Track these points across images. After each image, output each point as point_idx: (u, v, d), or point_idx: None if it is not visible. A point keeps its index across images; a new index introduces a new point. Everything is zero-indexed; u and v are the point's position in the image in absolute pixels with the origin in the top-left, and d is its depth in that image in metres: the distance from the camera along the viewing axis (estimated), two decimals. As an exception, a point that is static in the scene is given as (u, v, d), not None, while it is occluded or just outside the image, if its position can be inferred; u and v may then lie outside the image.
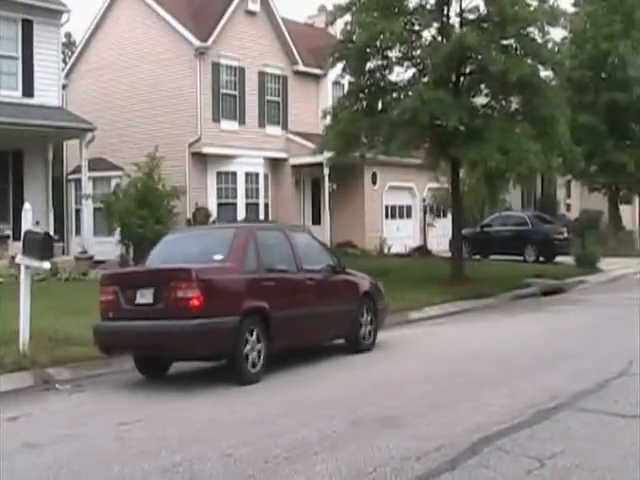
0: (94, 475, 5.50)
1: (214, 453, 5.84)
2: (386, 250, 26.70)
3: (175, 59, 24.74)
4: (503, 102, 19.71)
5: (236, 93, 25.27)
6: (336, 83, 26.23)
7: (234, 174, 25.31)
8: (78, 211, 23.48)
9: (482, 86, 19.43)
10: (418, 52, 18.95)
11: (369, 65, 19.13)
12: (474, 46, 16.91)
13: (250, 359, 8.80)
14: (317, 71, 27.30)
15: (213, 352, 8.87)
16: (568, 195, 44.66)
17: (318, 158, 22.68)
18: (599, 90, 30.92)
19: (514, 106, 19.74)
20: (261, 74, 26.10)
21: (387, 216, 28.83)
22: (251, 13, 25.75)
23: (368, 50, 18.53)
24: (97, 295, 9.60)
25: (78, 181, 22.96)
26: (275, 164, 26.63)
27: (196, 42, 24.07)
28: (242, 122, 25.40)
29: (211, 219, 23.57)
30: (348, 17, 19.22)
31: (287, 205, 26.63)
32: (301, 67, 27.20)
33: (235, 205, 25.23)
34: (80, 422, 7.14)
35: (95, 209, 23.37)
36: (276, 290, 9.49)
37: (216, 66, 24.62)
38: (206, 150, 24.18)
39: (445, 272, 19.53)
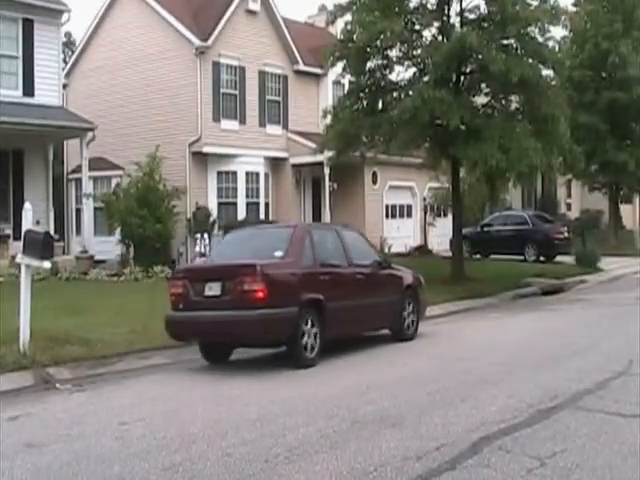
0: (94, 475, 5.49)
1: (214, 452, 5.85)
2: (386, 249, 26.64)
3: (175, 58, 24.74)
4: (503, 101, 19.72)
5: (236, 92, 25.27)
6: (336, 82, 26.27)
7: (234, 173, 25.32)
8: (78, 211, 23.49)
9: (482, 86, 19.43)
10: (418, 51, 18.96)
11: (369, 64, 19.15)
12: (474, 46, 16.90)
13: (307, 345, 9.70)
14: (318, 70, 27.30)
15: (275, 339, 9.77)
16: (568, 194, 44.69)
17: (318, 157, 22.69)
18: (599, 89, 30.94)
19: (514, 105, 19.75)
20: (261, 73, 26.10)
21: (387, 215, 28.83)
22: (251, 12, 25.75)
23: (368, 49, 18.55)
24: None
25: (78, 180, 22.97)
26: (275, 163, 26.63)
27: (196, 41, 24.07)
28: (242, 121, 25.40)
29: (211, 219, 23.57)
30: (348, 16, 19.22)
31: (287, 204, 26.64)
32: (301, 66, 27.20)
33: (235, 205, 25.24)
34: (80, 421, 7.15)
35: (95, 209, 23.38)
36: (329, 283, 10.41)
37: (216, 65, 24.62)
38: (206, 149, 24.18)
39: (445, 271, 19.53)
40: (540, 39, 18.53)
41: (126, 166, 23.59)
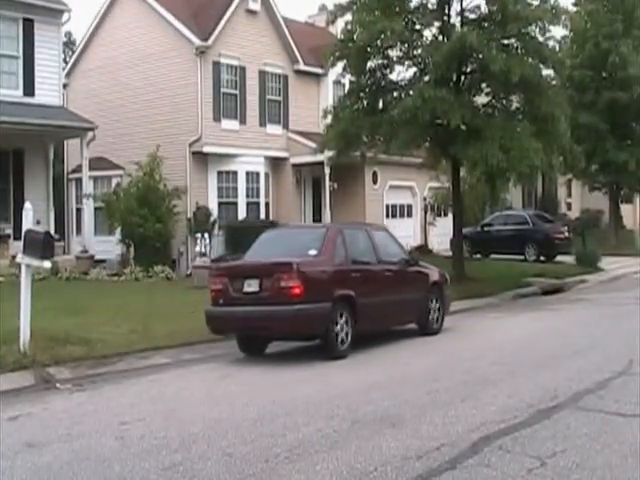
0: (95, 474, 5.50)
1: (214, 452, 5.85)
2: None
3: (176, 58, 24.72)
4: (504, 101, 19.71)
5: (237, 92, 25.26)
6: (337, 82, 26.25)
7: (235, 173, 25.30)
8: (79, 210, 23.48)
9: (483, 85, 19.42)
10: (419, 51, 18.96)
11: (370, 64, 19.14)
12: (475, 45, 16.89)
13: (339, 338, 10.25)
14: (318, 70, 27.28)
15: (310, 332, 10.37)
16: (569, 194, 44.68)
17: (319, 157, 22.69)
18: (600, 89, 30.93)
19: (515, 105, 19.75)
20: (262, 73, 26.08)
21: (388, 215, 28.80)
22: (252, 12, 25.73)
23: (369, 49, 18.54)
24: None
25: (79, 180, 22.97)
26: (276, 163, 26.62)
27: (197, 41, 24.06)
28: (243, 121, 25.39)
29: (212, 218, 23.57)
30: (349, 16, 19.21)
31: (288, 204, 26.63)
32: (302, 66, 27.18)
33: (236, 204, 25.22)
34: (81, 421, 7.15)
35: (96, 208, 23.37)
36: (360, 280, 10.99)
37: (217, 65, 24.61)
38: (207, 149, 24.17)
39: (446, 271, 19.48)
40: (540, 39, 18.53)
41: (126, 166, 23.59)
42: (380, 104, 19.49)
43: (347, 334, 10.41)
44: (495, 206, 31.22)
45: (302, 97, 27.41)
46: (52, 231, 19.72)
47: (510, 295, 18.71)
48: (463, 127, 17.48)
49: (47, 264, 9.79)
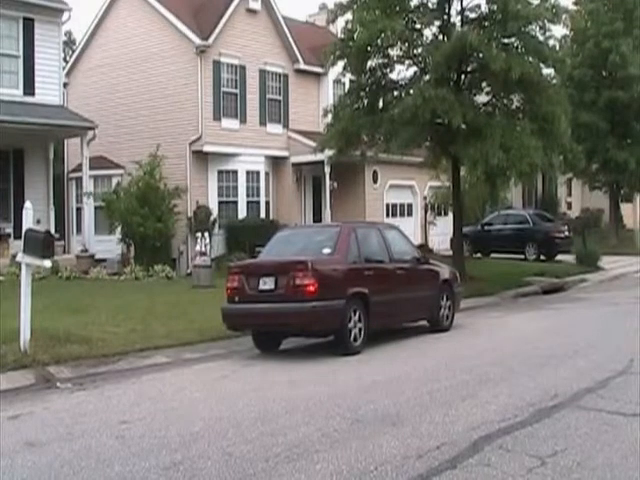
0: (95, 473, 5.50)
1: (215, 451, 5.85)
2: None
3: (176, 57, 24.71)
4: (504, 100, 19.71)
5: (237, 91, 25.25)
6: (337, 81, 26.25)
7: (235, 172, 25.29)
8: (79, 210, 23.46)
9: (483, 84, 19.42)
10: (419, 50, 18.96)
11: (370, 63, 19.14)
12: (475, 44, 16.89)
13: (353, 334, 10.49)
14: (318, 69, 27.24)
15: (325, 329, 10.59)
16: (569, 193, 44.67)
17: (319, 156, 22.66)
18: (600, 88, 30.95)
19: (515, 104, 19.74)
20: (262, 72, 26.07)
21: (388, 214, 28.80)
22: (252, 11, 25.72)
23: (369, 48, 18.51)
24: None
25: (79, 179, 22.96)
26: (276, 162, 26.62)
27: (197, 40, 24.05)
28: (243, 120, 25.38)
29: (212, 217, 23.56)
30: (349, 15, 19.20)
31: (288, 203, 26.62)
32: (302, 65, 27.17)
33: (236, 203, 25.22)
34: (81, 420, 7.15)
35: (96, 208, 23.36)
36: (373, 278, 11.22)
37: (217, 64, 24.60)
38: (207, 148, 24.16)
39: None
40: (541, 38, 18.53)
41: (126, 165, 23.59)
42: (380, 103, 19.50)
43: (360, 330, 10.62)
44: (495, 205, 31.22)
45: (302, 96, 27.41)
46: (52, 230, 19.73)
47: (510, 294, 18.72)
48: (463, 126, 17.49)
49: (47, 263, 9.80)
